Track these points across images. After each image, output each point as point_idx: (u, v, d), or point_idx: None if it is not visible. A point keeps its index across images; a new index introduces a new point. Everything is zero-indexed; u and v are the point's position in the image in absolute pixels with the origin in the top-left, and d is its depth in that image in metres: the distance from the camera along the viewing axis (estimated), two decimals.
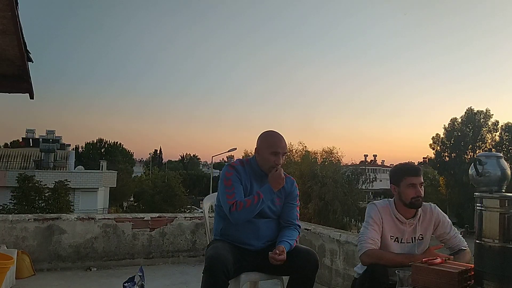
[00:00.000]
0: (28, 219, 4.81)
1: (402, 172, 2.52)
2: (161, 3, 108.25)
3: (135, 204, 33.09)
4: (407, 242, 2.54)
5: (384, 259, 2.33)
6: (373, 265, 2.31)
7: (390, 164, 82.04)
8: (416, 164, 2.81)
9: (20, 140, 37.97)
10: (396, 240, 2.52)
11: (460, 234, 2.60)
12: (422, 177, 2.51)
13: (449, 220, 2.66)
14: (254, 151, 2.72)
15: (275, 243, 2.55)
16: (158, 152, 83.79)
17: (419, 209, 2.55)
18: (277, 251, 2.38)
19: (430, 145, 46.42)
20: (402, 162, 2.67)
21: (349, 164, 38.06)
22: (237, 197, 2.52)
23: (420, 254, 2.37)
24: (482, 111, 44.86)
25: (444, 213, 2.65)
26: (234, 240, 2.57)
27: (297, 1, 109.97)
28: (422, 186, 2.51)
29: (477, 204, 2.02)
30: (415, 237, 2.56)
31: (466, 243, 2.58)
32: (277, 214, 2.68)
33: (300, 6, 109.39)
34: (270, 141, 2.63)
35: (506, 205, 1.91)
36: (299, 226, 2.71)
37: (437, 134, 46.38)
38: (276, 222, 2.68)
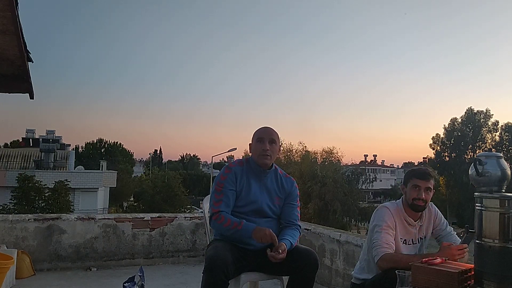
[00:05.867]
0: (28, 219, 4.81)
1: (412, 174, 2.59)
2: (161, 4, 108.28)
3: (135, 204, 33.04)
4: (413, 243, 2.59)
5: (401, 262, 2.29)
6: (390, 271, 2.24)
7: (390, 164, 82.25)
8: (423, 167, 2.83)
9: (20, 140, 37.91)
10: (404, 242, 2.55)
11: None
12: (430, 183, 2.53)
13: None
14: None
15: None
16: (158, 152, 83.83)
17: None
18: (279, 250, 2.38)
19: (430, 145, 46.48)
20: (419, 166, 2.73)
21: (349, 164, 38.12)
22: (223, 206, 2.53)
23: (436, 253, 2.34)
24: (482, 111, 44.91)
25: (439, 211, 2.71)
26: (234, 240, 2.57)
27: (297, 2, 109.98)
28: (430, 192, 2.53)
29: (477, 204, 2.01)
30: (420, 238, 2.62)
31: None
32: (277, 214, 2.68)
33: (301, 7, 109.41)
34: (256, 132, 2.71)
35: (506, 205, 1.90)
36: (300, 227, 2.71)
37: (437, 134, 46.46)
38: (276, 222, 2.68)
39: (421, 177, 2.53)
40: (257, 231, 2.42)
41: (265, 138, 2.63)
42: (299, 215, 2.73)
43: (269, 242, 2.39)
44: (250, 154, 2.76)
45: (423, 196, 2.50)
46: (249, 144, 2.73)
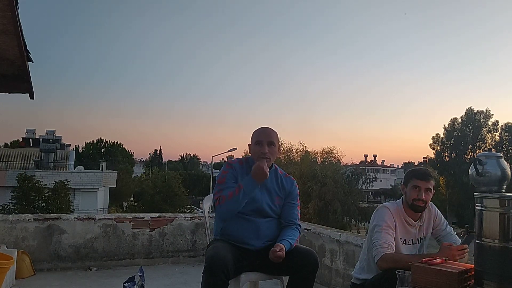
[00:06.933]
0: (28, 219, 4.81)
1: (412, 174, 2.59)
2: (162, 5, 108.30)
3: (135, 204, 33.05)
4: (413, 244, 2.59)
5: (401, 262, 2.29)
6: (390, 270, 2.24)
7: (390, 164, 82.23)
8: (423, 167, 2.82)
9: (20, 140, 37.93)
10: (404, 242, 2.56)
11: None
12: (430, 183, 2.53)
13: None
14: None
15: (275, 243, 2.55)
16: (158, 152, 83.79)
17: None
18: (277, 249, 2.38)
19: (430, 145, 46.49)
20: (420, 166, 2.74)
21: (349, 164, 38.12)
22: (224, 192, 2.53)
23: (436, 253, 2.34)
24: (482, 111, 44.91)
25: (439, 211, 2.71)
26: (234, 240, 2.57)
27: (298, 2, 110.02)
28: (430, 193, 2.53)
29: (477, 204, 2.01)
30: (420, 238, 2.62)
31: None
32: (277, 213, 2.68)
33: (302, 7, 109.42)
34: (254, 133, 2.70)
35: (506, 205, 1.91)
36: (300, 226, 2.71)
37: (437, 134, 46.46)
38: (276, 221, 2.68)
39: (421, 178, 2.53)
40: (254, 171, 2.46)
41: (263, 140, 2.63)
42: (299, 215, 2.74)
43: (265, 171, 2.44)
44: (249, 154, 2.76)
45: (423, 197, 2.50)
46: (248, 144, 2.74)
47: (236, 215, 2.57)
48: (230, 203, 2.48)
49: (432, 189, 2.55)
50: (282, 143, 33.50)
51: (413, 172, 2.60)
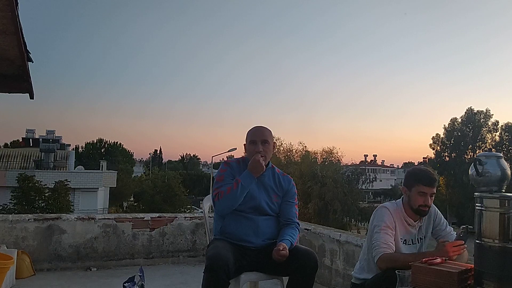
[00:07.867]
0: (28, 219, 4.81)
1: (417, 179, 2.51)
2: (162, 6, 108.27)
3: (135, 204, 33.07)
4: (413, 244, 2.58)
5: (400, 261, 2.28)
6: (389, 270, 2.21)
7: (390, 164, 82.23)
8: (423, 167, 2.76)
9: (20, 140, 37.95)
10: (404, 242, 2.55)
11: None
12: (435, 188, 2.51)
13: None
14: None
15: (274, 241, 2.56)
16: (158, 152, 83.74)
17: None
18: (280, 248, 2.39)
19: (430, 145, 46.57)
20: (421, 167, 2.70)
21: (349, 164, 38.13)
22: (222, 188, 2.56)
23: (435, 251, 2.32)
24: (482, 111, 44.97)
25: (439, 211, 2.71)
26: (233, 238, 2.57)
27: (299, 3, 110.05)
28: (433, 196, 2.52)
29: (477, 204, 2.01)
30: (420, 238, 2.61)
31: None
32: (275, 211, 2.69)
33: (303, 7, 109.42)
34: (248, 133, 2.73)
35: (506, 205, 1.90)
36: (299, 224, 2.73)
37: (437, 134, 46.54)
38: (275, 220, 2.69)
39: (427, 184, 2.48)
40: (250, 164, 2.54)
41: (257, 140, 2.65)
42: (297, 213, 2.75)
43: (261, 163, 2.53)
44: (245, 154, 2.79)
45: (430, 203, 2.50)
46: (244, 144, 2.76)
47: (235, 213, 2.58)
48: (228, 197, 2.51)
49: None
50: (282, 143, 33.59)
51: (418, 177, 2.51)
